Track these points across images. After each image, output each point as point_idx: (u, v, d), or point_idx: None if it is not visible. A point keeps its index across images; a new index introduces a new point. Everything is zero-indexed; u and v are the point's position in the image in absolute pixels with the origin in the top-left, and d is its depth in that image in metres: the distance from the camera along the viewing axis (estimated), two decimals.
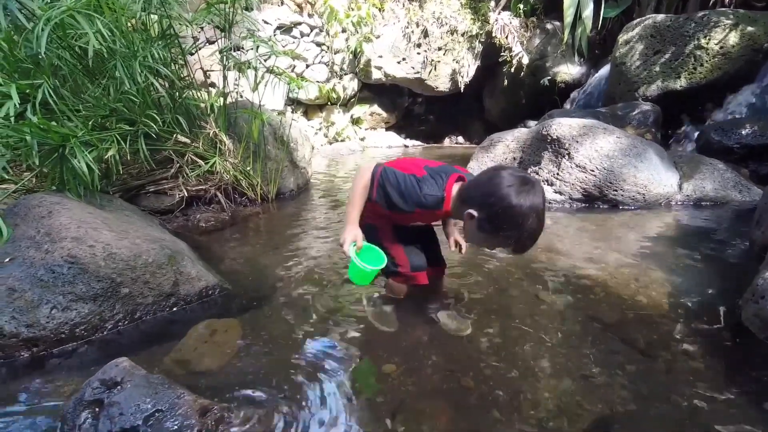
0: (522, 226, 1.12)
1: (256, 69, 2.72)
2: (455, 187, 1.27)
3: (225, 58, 2.71)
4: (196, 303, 1.59)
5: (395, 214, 1.35)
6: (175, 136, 2.46)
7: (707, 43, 3.96)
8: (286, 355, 1.35)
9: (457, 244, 1.58)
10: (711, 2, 5.02)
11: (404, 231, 1.51)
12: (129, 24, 2.31)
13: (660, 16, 4.51)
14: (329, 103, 6.71)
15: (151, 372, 1.26)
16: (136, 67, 2.10)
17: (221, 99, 2.75)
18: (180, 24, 2.59)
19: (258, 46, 2.58)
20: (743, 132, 3.32)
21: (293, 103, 6.63)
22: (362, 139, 6.86)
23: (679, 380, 1.22)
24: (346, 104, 6.84)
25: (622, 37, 4.70)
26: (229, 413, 0.98)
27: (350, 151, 6.20)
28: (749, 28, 3.80)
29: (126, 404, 0.90)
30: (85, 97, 2.14)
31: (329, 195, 3.57)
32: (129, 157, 2.40)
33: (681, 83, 4.14)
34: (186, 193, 2.55)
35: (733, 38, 3.83)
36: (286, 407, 1.10)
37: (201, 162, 2.59)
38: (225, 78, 2.78)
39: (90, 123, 2.03)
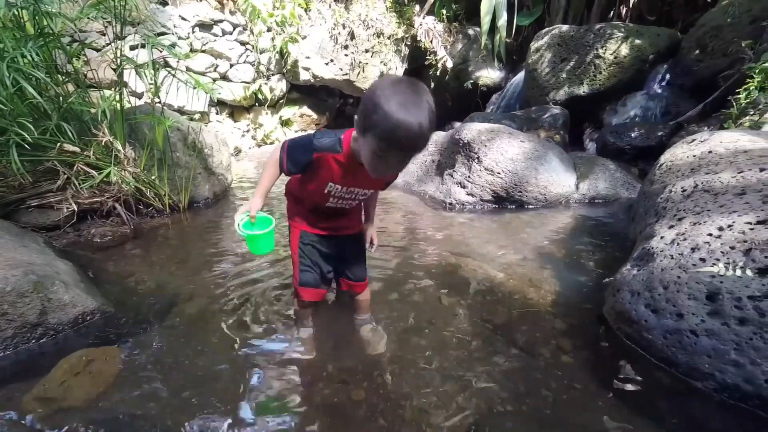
0: (386, 108, 0.94)
1: (155, 70, 2.54)
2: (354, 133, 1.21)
3: (118, 59, 2.51)
4: (70, 331, 1.45)
5: (306, 181, 1.33)
6: (59, 144, 2.23)
7: (604, 53, 4.33)
8: (167, 385, 1.27)
9: (371, 242, 1.58)
10: (610, 14, 5.51)
11: (321, 245, 1.46)
12: None
13: (565, 27, 4.86)
14: (257, 105, 6.48)
15: (3, 415, 1.14)
16: (3, 69, 1.88)
17: (117, 103, 2.54)
18: (64, 21, 2.36)
19: (153, 46, 2.41)
20: (632, 135, 3.68)
21: (218, 104, 6.32)
22: None
23: (551, 375, 1.32)
24: (275, 105, 6.65)
25: (534, 45, 5.01)
26: None
27: None
28: (637, 41, 4.21)
29: None
30: None
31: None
32: (3, 169, 2.15)
33: (584, 89, 4.49)
34: (76, 207, 2.32)
35: (624, 49, 4.23)
36: None
37: (94, 172, 2.37)
38: (121, 80, 2.57)
39: None
